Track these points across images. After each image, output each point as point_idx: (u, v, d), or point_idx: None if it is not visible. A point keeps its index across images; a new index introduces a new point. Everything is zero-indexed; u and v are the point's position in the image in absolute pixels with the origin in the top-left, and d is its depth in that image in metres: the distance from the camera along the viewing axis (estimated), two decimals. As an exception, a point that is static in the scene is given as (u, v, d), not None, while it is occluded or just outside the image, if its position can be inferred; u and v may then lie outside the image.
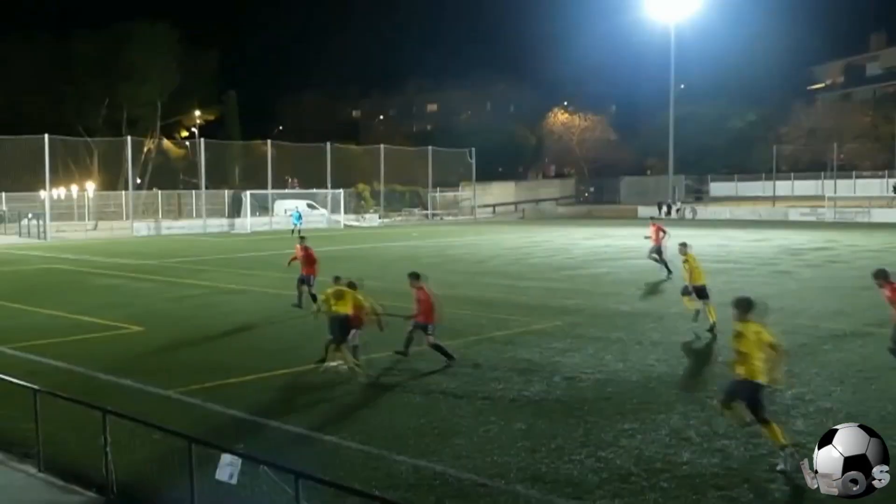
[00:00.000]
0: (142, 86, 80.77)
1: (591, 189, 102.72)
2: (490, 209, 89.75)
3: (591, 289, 25.88)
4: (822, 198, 73.25)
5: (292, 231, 60.96)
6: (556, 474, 9.61)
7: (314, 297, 20.75)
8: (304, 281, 22.13)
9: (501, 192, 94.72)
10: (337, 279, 15.34)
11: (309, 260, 22.43)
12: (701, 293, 18.46)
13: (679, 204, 78.78)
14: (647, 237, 29.84)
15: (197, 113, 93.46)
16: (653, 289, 25.82)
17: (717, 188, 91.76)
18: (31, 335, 18.92)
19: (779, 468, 9.49)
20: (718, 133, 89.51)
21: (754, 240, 45.60)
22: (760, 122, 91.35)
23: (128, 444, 9.59)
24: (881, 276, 14.07)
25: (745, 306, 9.93)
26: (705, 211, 77.83)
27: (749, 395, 9.68)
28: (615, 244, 43.42)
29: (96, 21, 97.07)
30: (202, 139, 71.44)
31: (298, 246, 23.15)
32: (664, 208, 76.34)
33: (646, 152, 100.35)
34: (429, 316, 15.04)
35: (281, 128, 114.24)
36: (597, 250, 40.13)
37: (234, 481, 7.43)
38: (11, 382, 11.32)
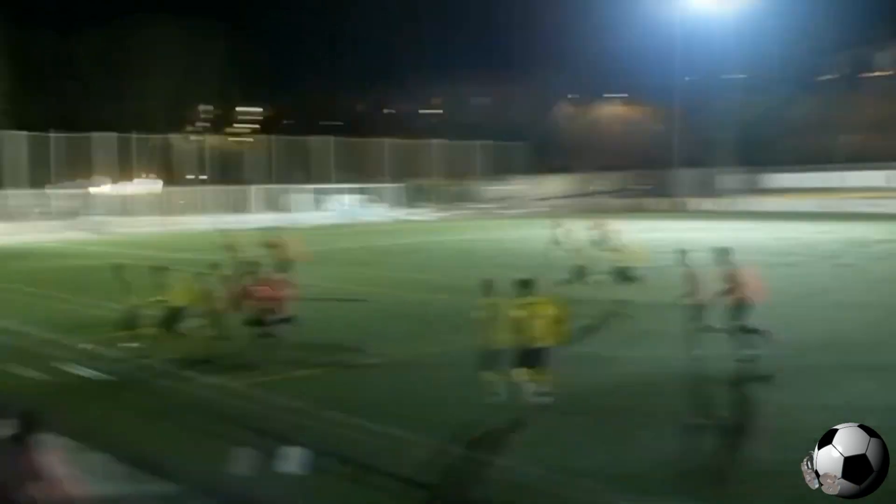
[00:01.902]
0: (150, 81, 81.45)
1: (644, 182, 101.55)
2: (542, 202, 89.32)
3: (650, 282, 25.63)
4: (886, 189, 71.62)
5: (344, 224, 61.50)
6: (620, 469, 9.59)
7: None
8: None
9: (553, 185, 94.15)
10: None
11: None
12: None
13: (737, 196, 77.64)
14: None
15: (244, 108, 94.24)
16: (711, 283, 25.43)
17: (775, 179, 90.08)
18: (104, 329, 19.26)
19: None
20: (776, 123, 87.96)
21: (815, 232, 44.80)
22: (820, 111, 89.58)
23: (197, 434, 9.78)
24: None
25: (528, 285, 12.14)
26: (764, 203, 76.59)
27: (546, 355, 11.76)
28: (672, 237, 42.92)
29: (101, 16, 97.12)
30: (272, 136, 72.18)
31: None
32: (709, 201, 75.48)
33: (700, 144, 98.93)
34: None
35: (335, 123, 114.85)
36: (652, 244, 39.71)
37: (298, 472, 7.54)
38: (87, 374, 11.59)
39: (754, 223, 54.30)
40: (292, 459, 7.62)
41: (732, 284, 15.11)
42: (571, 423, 11.28)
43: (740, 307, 14.99)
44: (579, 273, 21.57)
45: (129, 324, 16.41)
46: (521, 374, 12.10)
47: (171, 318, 16.29)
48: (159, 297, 16.61)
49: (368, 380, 14.23)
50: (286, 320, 16.26)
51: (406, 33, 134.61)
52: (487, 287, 12.40)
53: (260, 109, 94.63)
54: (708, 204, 77.11)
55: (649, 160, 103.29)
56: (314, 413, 12.09)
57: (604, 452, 10.13)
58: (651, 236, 44.28)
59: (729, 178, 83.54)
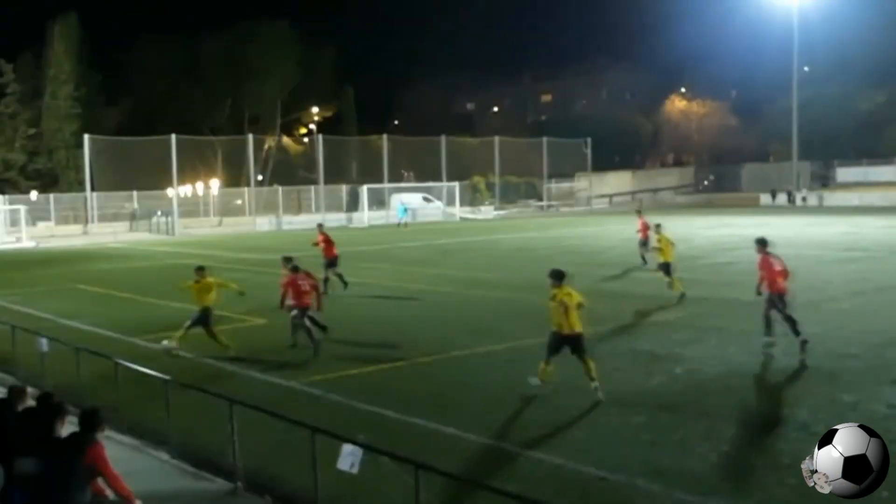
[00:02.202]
0: (263, 84, 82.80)
1: (711, 177, 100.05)
2: (606, 199, 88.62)
3: (712, 279, 25.28)
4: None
5: (398, 224, 61.79)
6: (679, 469, 9.42)
7: (341, 277, 23.96)
8: (331, 264, 24.09)
9: (618, 181, 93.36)
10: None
11: (329, 244, 24.49)
12: (666, 270, 22.04)
13: (804, 191, 76.15)
14: (637, 231, 29.50)
15: (315, 109, 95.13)
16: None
17: (844, 173, 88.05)
18: (162, 327, 19.68)
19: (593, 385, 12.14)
20: (845, 116, 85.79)
21: (885, 226, 43.68)
22: (890, 102, 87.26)
23: (254, 432, 9.88)
24: None
25: (558, 276, 12.45)
26: (832, 197, 75.00)
27: (578, 343, 12.28)
28: (737, 233, 42.27)
29: (221, 22, 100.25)
30: (320, 135, 72.77)
31: (320, 233, 25.25)
32: (781, 196, 74.01)
33: (768, 138, 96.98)
34: (300, 300, 16.57)
35: (396, 122, 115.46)
36: (718, 240, 39.17)
37: (354, 471, 7.54)
38: (145, 372, 11.80)
39: (819, 218, 53.19)
40: (348, 457, 7.62)
41: (763, 273, 15.10)
42: (627, 422, 11.14)
43: (775, 296, 14.86)
44: (665, 268, 22.31)
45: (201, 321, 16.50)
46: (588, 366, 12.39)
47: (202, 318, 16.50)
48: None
49: (425, 377, 14.23)
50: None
51: (472, 32, 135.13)
52: (558, 276, 12.52)
53: (316, 109, 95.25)
54: (780, 198, 75.72)
55: (715, 156, 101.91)
56: (370, 410, 12.13)
57: (659, 451, 9.97)
58: (719, 232, 43.66)
59: (804, 173, 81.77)
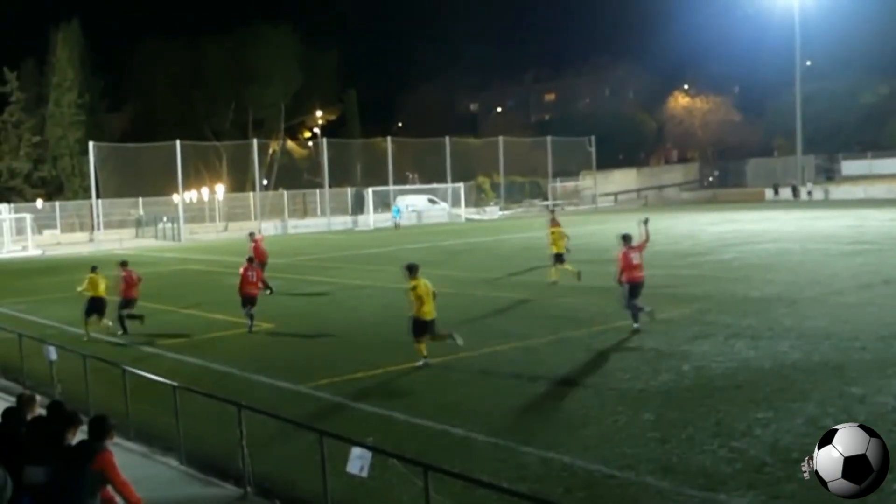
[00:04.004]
0: (267, 88, 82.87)
1: (716, 173, 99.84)
2: (611, 197, 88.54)
3: (718, 275, 25.24)
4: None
5: (395, 226, 61.88)
6: (688, 465, 9.41)
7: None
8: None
9: (623, 179, 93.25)
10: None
11: (258, 251, 26.82)
12: (558, 259, 24.90)
13: (809, 185, 75.98)
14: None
15: (319, 113, 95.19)
16: (784, 273, 24.97)
17: (849, 167, 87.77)
18: (170, 334, 19.74)
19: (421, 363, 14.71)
20: (849, 109, 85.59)
21: (891, 219, 43.54)
22: (894, 95, 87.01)
23: (263, 438, 9.90)
24: None
25: (412, 270, 14.86)
26: (837, 191, 74.79)
27: (431, 328, 14.66)
28: (742, 229, 42.24)
29: (223, 26, 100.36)
30: (325, 139, 72.84)
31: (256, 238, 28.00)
32: (786, 190, 73.87)
33: (772, 132, 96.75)
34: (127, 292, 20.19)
35: (400, 124, 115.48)
36: (723, 236, 39.11)
37: (364, 474, 7.55)
38: (153, 379, 11.82)
39: (824, 212, 53.07)
40: (357, 461, 7.63)
41: (622, 265, 17.26)
42: (635, 419, 11.13)
43: (633, 285, 17.07)
44: (557, 258, 25.31)
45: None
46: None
47: None
48: None
49: (432, 379, 14.24)
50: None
51: (474, 33, 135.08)
52: (412, 270, 14.96)
53: (320, 112, 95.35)
54: (785, 193, 75.61)
55: (719, 152, 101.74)
56: (377, 413, 12.15)
57: (668, 448, 9.96)
58: (724, 228, 43.60)
59: (808, 167, 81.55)
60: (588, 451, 10.06)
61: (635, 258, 17.16)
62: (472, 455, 10.11)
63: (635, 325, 16.95)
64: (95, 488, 7.46)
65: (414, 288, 14.69)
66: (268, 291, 24.11)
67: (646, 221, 18.19)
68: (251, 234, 29.44)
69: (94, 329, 20.01)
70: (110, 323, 20.24)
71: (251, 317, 19.59)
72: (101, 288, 20.00)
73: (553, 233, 25.55)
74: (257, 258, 25.11)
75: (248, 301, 19.62)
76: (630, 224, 36.52)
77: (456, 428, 11.18)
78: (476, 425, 11.20)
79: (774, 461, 9.35)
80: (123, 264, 21.13)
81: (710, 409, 11.41)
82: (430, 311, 14.66)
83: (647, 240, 17.86)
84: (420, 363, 14.84)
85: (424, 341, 14.85)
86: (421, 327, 14.71)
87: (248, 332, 19.41)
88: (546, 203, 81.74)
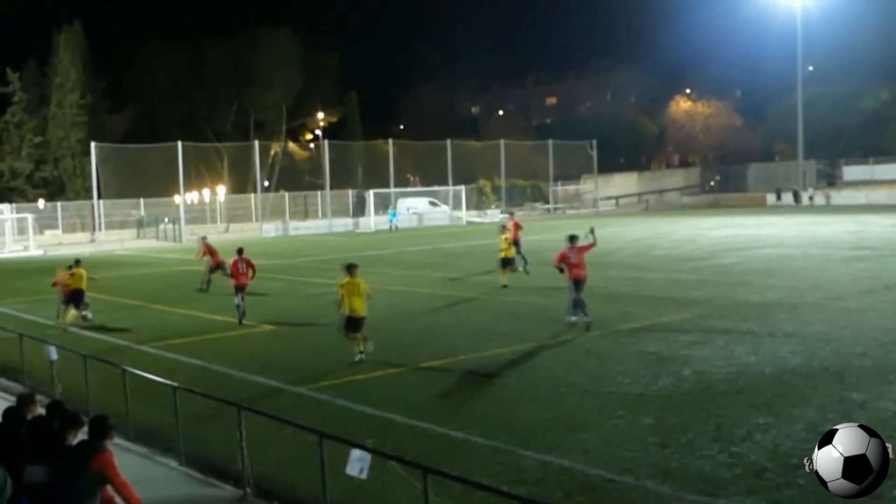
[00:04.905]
0: (268, 90, 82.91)
1: (717, 177, 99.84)
2: (612, 201, 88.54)
3: (719, 279, 25.24)
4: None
5: (390, 229, 61.89)
6: (687, 470, 9.40)
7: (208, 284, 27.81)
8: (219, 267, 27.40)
9: (624, 183, 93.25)
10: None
11: (212, 253, 28.42)
12: (506, 263, 25.90)
13: (810, 190, 75.97)
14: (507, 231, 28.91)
15: (320, 115, 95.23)
16: (785, 278, 24.96)
17: (850, 172, 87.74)
18: (170, 334, 19.75)
19: (357, 359, 15.53)
20: (850, 114, 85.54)
21: (892, 225, 43.54)
22: (895, 100, 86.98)
23: (262, 439, 9.89)
24: None
25: (350, 269, 15.75)
26: (839, 196, 74.76)
27: (358, 324, 15.51)
28: (743, 233, 42.25)
29: (225, 28, 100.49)
30: (326, 141, 72.85)
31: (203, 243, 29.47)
32: (787, 195, 73.79)
33: (773, 137, 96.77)
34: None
35: (401, 126, 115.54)
36: (724, 240, 39.11)
37: (363, 476, 7.54)
38: (152, 379, 11.82)
39: (826, 217, 53.07)
40: (357, 463, 7.62)
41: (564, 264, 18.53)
42: (635, 424, 11.13)
43: (574, 283, 18.28)
44: (505, 262, 26.33)
45: None
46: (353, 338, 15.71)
47: None
48: None
49: (432, 381, 14.23)
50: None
51: (476, 36, 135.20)
52: (350, 269, 15.79)
53: (321, 114, 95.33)
54: (787, 197, 75.61)
55: (721, 156, 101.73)
56: (378, 415, 12.14)
57: (668, 452, 9.95)
58: (725, 232, 43.60)
59: (810, 172, 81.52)
60: (587, 454, 10.05)
61: (572, 257, 18.42)
62: (471, 458, 10.10)
63: (571, 319, 18.13)
64: (95, 488, 7.46)
65: (341, 286, 15.71)
66: (203, 288, 27.09)
67: (592, 231, 19.58)
68: (203, 238, 30.88)
69: (69, 320, 21.74)
70: (89, 314, 22.10)
71: (241, 309, 20.96)
72: (83, 281, 22.03)
73: (505, 239, 26.44)
74: (214, 261, 28.01)
75: (239, 289, 21.03)
76: (633, 228, 36.58)
77: (455, 431, 11.17)
78: (475, 428, 11.19)
79: (774, 466, 9.34)
80: (70, 267, 22.43)
81: (710, 413, 11.40)
82: (358, 309, 15.49)
83: (594, 244, 19.35)
84: (357, 358, 15.53)
85: (358, 338, 15.65)
86: (350, 323, 15.55)
87: (238, 323, 20.69)
88: (547, 206, 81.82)
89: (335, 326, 16.18)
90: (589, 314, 18.11)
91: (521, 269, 27.64)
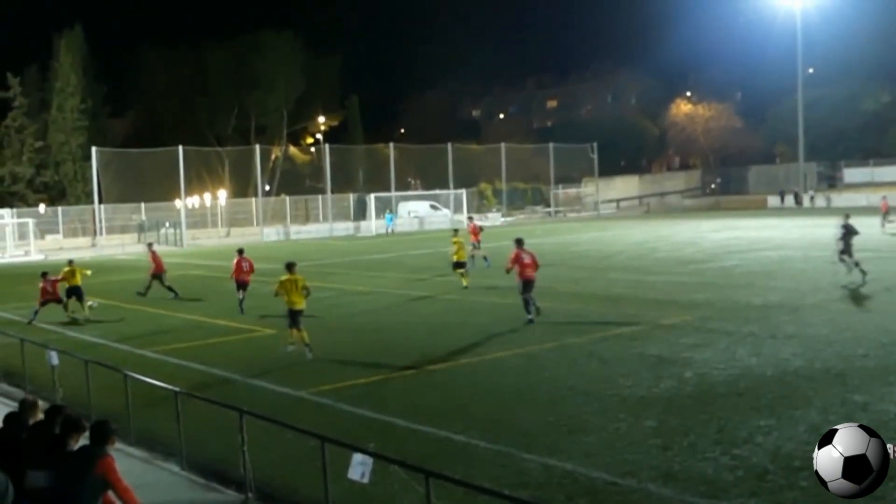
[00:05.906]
0: (269, 94, 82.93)
1: (718, 180, 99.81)
2: (614, 204, 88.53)
3: (720, 282, 25.23)
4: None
5: (387, 232, 61.93)
6: (689, 472, 9.39)
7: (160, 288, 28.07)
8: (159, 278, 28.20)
9: (625, 186, 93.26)
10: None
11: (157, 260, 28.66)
12: (458, 266, 27.01)
13: (811, 192, 75.94)
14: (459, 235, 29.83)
15: (321, 119, 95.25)
16: (786, 280, 24.95)
17: (851, 174, 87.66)
18: (171, 339, 19.75)
19: (289, 349, 16.98)
20: (851, 116, 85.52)
21: (893, 227, 43.40)
22: (895, 102, 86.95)
23: (264, 443, 9.88)
24: None
25: (290, 267, 17.19)
26: (839, 198, 74.64)
27: (299, 315, 16.70)
28: (744, 236, 42.24)
29: (226, 32, 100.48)
30: (327, 144, 72.84)
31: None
32: (789, 197, 73.74)
33: (774, 139, 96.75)
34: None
35: (402, 130, 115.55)
36: (725, 243, 39.10)
37: (365, 480, 7.53)
38: (154, 384, 11.82)
39: (826, 219, 52.94)
40: (358, 467, 7.61)
41: (515, 265, 19.58)
42: (637, 426, 11.12)
43: (524, 282, 19.30)
44: (458, 265, 27.54)
45: None
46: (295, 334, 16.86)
47: None
48: None
49: (434, 385, 14.22)
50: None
51: (477, 39, 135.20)
52: (290, 267, 17.19)
53: (322, 118, 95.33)
54: (789, 200, 75.55)
55: (721, 159, 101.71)
56: (379, 419, 12.13)
57: (670, 455, 9.95)
58: (726, 235, 43.58)
59: (810, 174, 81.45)
60: (589, 457, 10.04)
61: (525, 258, 19.52)
62: (473, 461, 10.10)
63: (528, 317, 19.04)
64: (97, 493, 7.45)
65: (280, 282, 16.93)
66: (171, 295, 27.25)
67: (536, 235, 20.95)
68: (149, 245, 31.19)
69: (74, 309, 23.61)
70: (95, 304, 23.88)
71: (242, 304, 23.04)
72: (78, 278, 23.73)
73: (455, 242, 27.70)
74: (157, 268, 28.35)
75: (241, 286, 23.21)
76: (634, 231, 36.55)
77: (458, 434, 11.16)
78: (477, 431, 11.19)
79: (776, 469, 9.34)
80: (44, 274, 24.10)
81: (711, 416, 11.39)
82: (297, 302, 16.74)
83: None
84: (289, 349, 16.97)
85: (294, 331, 16.86)
86: (291, 315, 16.82)
87: (240, 313, 22.66)
88: (548, 209, 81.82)
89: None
90: (533, 312, 19.18)
91: (484, 267, 30.04)
